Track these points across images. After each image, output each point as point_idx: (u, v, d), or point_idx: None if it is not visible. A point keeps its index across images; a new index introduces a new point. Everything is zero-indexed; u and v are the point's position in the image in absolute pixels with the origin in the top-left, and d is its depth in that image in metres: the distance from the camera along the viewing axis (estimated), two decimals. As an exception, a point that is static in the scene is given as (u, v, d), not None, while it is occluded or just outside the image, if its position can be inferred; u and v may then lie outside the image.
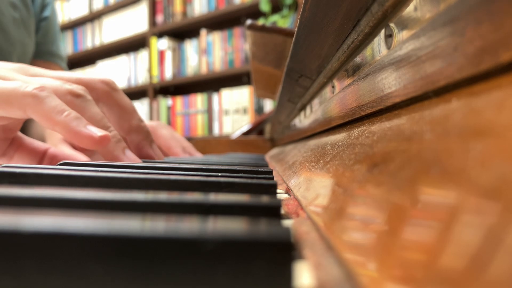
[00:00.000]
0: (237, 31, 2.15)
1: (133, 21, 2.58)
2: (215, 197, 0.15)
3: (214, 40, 2.23)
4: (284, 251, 0.09)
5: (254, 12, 1.99)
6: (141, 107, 2.54)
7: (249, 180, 0.21)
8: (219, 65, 2.21)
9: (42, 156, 0.40)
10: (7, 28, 0.66)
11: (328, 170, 0.21)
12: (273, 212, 0.15)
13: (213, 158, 0.55)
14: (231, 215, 0.14)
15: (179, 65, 2.40)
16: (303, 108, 0.47)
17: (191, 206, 0.14)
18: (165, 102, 2.44)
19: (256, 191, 0.20)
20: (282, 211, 0.19)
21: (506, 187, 0.07)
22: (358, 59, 0.23)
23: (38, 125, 0.67)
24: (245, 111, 2.13)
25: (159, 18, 2.44)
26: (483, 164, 0.08)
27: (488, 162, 0.08)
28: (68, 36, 2.99)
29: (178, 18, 2.35)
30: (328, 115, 0.33)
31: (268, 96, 1.02)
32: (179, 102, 2.39)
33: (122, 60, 2.66)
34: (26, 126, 0.72)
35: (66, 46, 2.98)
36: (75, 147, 0.47)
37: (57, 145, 0.52)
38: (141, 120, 0.40)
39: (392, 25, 0.17)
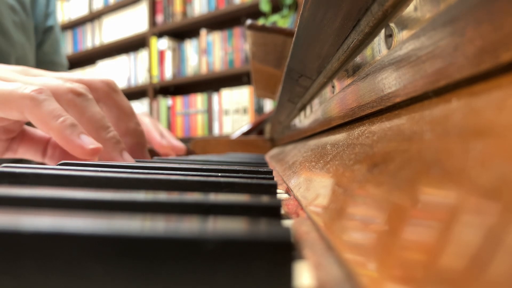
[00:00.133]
0: (237, 31, 2.15)
1: (133, 21, 2.58)
2: (215, 197, 0.15)
3: (214, 40, 2.23)
4: (284, 251, 0.09)
5: (254, 12, 1.99)
6: (141, 107, 2.54)
7: (249, 180, 0.21)
8: (219, 65, 2.21)
9: (45, 145, 0.40)
10: (7, 30, 0.66)
11: (328, 170, 0.21)
12: (273, 212, 0.15)
13: (213, 158, 0.55)
14: (231, 215, 0.14)
15: (179, 65, 2.40)
16: (303, 108, 0.47)
17: (191, 206, 0.14)
18: (165, 102, 2.44)
19: (256, 191, 0.20)
20: (282, 211, 0.19)
21: (506, 187, 0.07)
22: (358, 59, 0.23)
23: None
24: (245, 111, 2.13)
25: (159, 18, 2.44)
26: (483, 164, 0.08)
27: (488, 162, 0.08)
28: (68, 36, 2.99)
29: (178, 18, 2.35)
30: (328, 115, 0.33)
31: (268, 96, 1.02)
32: (179, 102, 2.39)
33: (122, 60, 2.66)
34: None
35: (66, 46, 2.98)
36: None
37: None
38: (138, 124, 0.41)
39: (392, 25, 0.17)
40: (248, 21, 0.59)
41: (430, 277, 0.08)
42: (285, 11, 1.82)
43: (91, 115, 0.34)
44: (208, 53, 2.25)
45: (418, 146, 0.12)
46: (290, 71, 0.39)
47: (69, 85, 0.34)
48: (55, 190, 0.15)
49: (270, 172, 0.28)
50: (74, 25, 2.94)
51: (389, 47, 0.18)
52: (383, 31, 0.18)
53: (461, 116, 0.11)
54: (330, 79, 0.31)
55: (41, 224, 0.09)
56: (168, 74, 2.40)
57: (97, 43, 2.79)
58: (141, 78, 2.55)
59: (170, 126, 2.42)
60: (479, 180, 0.08)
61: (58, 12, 2.99)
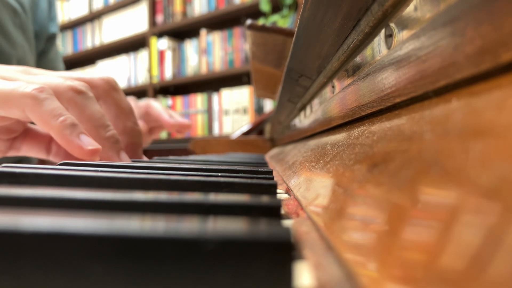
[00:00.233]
0: (237, 31, 2.15)
1: (133, 21, 2.58)
2: (215, 197, 0.15)
3: (214, 40, 2.23)
4: (284, 251, 0.09)
5: (254, 12, 1.99)
6: (141, 107, 2.54)
7: (249, 180, 0.21)
8: (219, 65, 2.21)
9: (49, 142, 0.40)
10: (8, 31, 0.67)
11: (328, 170, 0.21)
12: (273, 212, 0.15)
13: (213, 158, 0.55)
14: (231, 215, 0.14)
15: (179, 65, 2.40)
16: (303, 108, 0.47)
17: (191, 206, 0.14)
18: (165, 102, 2.44)
19: (256, 191, 0.20)
20: (282, 211, 0.19)
21: (506, 187, 0.07)
22: (358, 59, 0.23)
23: None
24: (245, 111, 2.13)
25: (159, 18, 2.44)
26: (483, 164, 0.08)
27: (488, 162, 0.08)
28: (68, 36, 2.99)
29: (178, 18, 2.35)
30: (328, 115, 0.33)
31: (268, 96, 1.02)
32: (179, 102, 2.39)
33: (122, 60, 2.66)
34: None
35: (66, 46, 2.98)
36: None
37: None
38: (136, 124, 0.41)
39: (392, 25, 0.17)
40: (248, 21, 0.59)
41: (430, 277, 0.08)
42: (285, 11, 1.82)
43: (90, 113, 0.34)
44: (208, 53, 2.25)
45: (418, 146, 0.12)
46: (290, 71, 0.39)
47: (70, 83, 0.34)
48: (55, 190, 0.15)
49: (270, 172, 0.28)
50: (74, 25, 2.94)
51: (389, 47, 0.18)
52: (383, 31, 0.18)
53: (461, 116, 0.11)
54: (330, 79, 0.31)
55: (41, 224, 0.09)
56: (168, 74, 2.40)
57: (97, 43, 2.79)
58: (141, 78, 2.55)
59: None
60: (479, 180, 0.08)
61: (58, 12, 3.00)
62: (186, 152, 0.93)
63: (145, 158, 0.42)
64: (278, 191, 0.26)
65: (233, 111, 2.17)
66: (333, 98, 0.30)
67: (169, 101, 2.43)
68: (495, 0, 0.10)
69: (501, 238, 0.07)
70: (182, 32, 2.42)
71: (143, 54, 2.54)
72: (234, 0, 2.12)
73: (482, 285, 0.06)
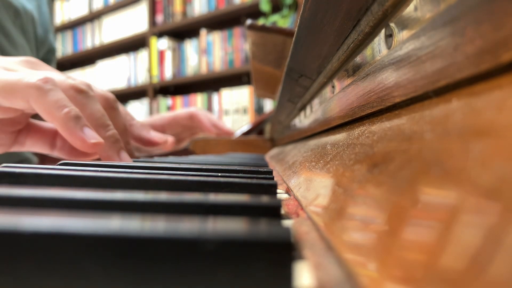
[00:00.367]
0: (237, 31, 2.15)
1: (133, 21, 2.58)
2: (215, 197, 0.15)
3: (214, 40, 2.23)
4: (284, 251, 0.09)
5: (254, 12, 1.99)
6: (141, 107, 2.54)
7: (249, 180, 0.21)
8: (219, 65, 2.21)
9: (53, 137, 0.40)
10: (9, 32, 0.67)
11: (328, 170, 0.21)
12: (273, 212, 0.15)
13: (213, 158, 0.55)
14: (231, 215, 0.14)
15: (179, 65, 2.40)
16: (303, 108, 0.47)
17: (191, 206, 0.14)
18: (165, 102, 2.44)
19: (256, 191, 0.20)
20: (282, 211, 0.19)
21: (506, 187, 0.07)
22: (358, 59, 0.23)
23: None
24: (245, 111, 2.13)
25: (159, 18, 2.44)
26: (483, 164, 0.08)
27: (488, 162, 0.08)
28: (68, 36, 2.98)
29: (178, 18, 2.35)
30: (328, 115, 0.33)
31: (268, 96, 1.02)
32: (179, 102, 2.39)
33: (122, 60, 2.66)
34: None
35: (66, 46, 2.98)
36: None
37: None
38: (128, 143, 0.41)
39: (392, 25, 0.17)
40: (248, 21, 0.59)
41: (430, 277, 0.08)
42: (285, 11, 1.82)
43: (91, 113, 0.34)
44: (208, 53, 2.25)
45: (418, 146, 0.12)
46: (290, 71, 0.39)
47: (71, 81, 0.34)
48: (55, 190, 0.15)
49: (270, 172, 0.28)
50: (74, 25, 2.94)
51: (389, 47, 0.18)
52: (383, 31, 0.18)
53: (461, 116, 0.11)
54: (330, 79, 0.31)
55: (41, 224, 0.09)
56: (168, 74, 2.40)
57: (97, 43, 2.79)
58: (141, 78, 2.55)
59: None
60: (479, 180, 0.08)
61: (58, 12, 2.99)
62: (186, 152, 0.93)
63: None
64: (278, 191, 0.26)
65: (233, 111, 2.17)
66: (333, 98, 0.30)
67: (169, 101, 2.43)
68: (495, 0, 0.10)
69: (501, 238, 0.07)
70: (182, 32, 2.42)
71: (143, 54, 2.54)
72: (234, 0, 2.12)
73: (482, 285, 0.06)
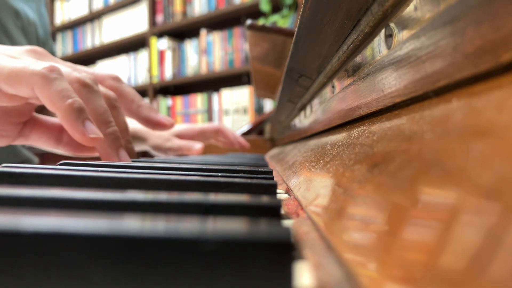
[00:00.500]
0: (237, 31, 2.15)
1: (133, 21, 2.58)
2: (215, 197, 0.15)
3: (214, 40, 2.23)
4: (284, 251, 0.09)
5: (254, 12, 1.99)
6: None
7: (249, 180, 0.21)
8: (219, 65, 2.21)
9: (59, 132, 0.40)
10: (11, 33, 0.67)
11: (328, 170, 0.21)
12: (273, 212, 0.15)
13: (213, 158, 0.55)
14: (231, 215, 0.14)
15: (179, 65, 2.39)
16: (303, 108, 0.47)
17: (191, 206, 0.14)
18: (165, 102, 2.44)
19: (256, 191, 0.20)
20: (282, 211, 0.19)
21: (506, 187, 0.07)
22: (358, 59, 0.23)
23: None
24: (245, 111, 2.13)
25: (159, 18, 2.44)
26: (483, 164, 0.08)
27: (488, 162, 0.08)
28: (68, 36, 2.98)
29: (178, 18, 2.35)
30: (328, 115, 0.33)
31: (268, 96, 1.02)
32: (179, 102, 2.39)
33: (122, 60, 2.66)
34: None
35: (66, 46, 2.98)
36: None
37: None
38: (129, 141, 0.41)
39: (392, 25, 0.17)
40: (248, 21, 0.59)
41: (430, 277, 0.08)
42: (285, 11, 1.82)
43: (93, 108, 0.34)
44: (208, 53, 2.25)
45: (418, 146, 0.12)
46: (290, 71, 0.39)
47: (77, 74, 0.34)
48: (55, 190, 0.15)
49: (270, 172, 0.28)
50: (74, 25, 2.94)
51: (389, 47, 0.18)
52: (383, 31, 0.18)
53: (461, 116, 0.11)
54: (330, 79, 0.31)
55: (41, 224, 0.09)
56: (168, 74, 2.40)
57: (97, 43, 2.79)
58: (141, 78, 2.55)
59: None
60: (479, 180, 0.08)
61: (58, 12, 2.99)
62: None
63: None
64: (278, 191, 0.26)
65: (233, 111, 2.17)
66: (333, 98, 0.30)
67: (169, 101, 2.43)
68: (495, 0, 0.10)
69: (501, 238, 0.07)
70: (182, 32, 2.42)
71: (143, 54, 2.54)
72: (234, 0, 2.12)
73: (482, 285, 0.06)
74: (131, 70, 2.61)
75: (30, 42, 0.73)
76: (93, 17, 2.80)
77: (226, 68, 2.17)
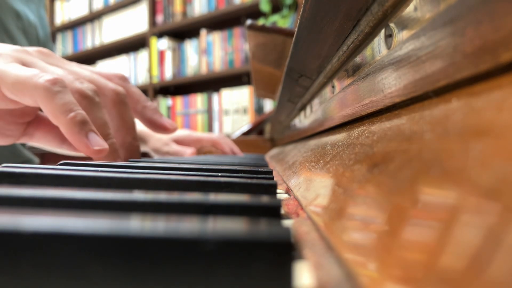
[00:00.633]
0: (237, 31, 2.15)
1: (133, 21, 2.58)
2: (215, 197, 0.15)
3: (214, 40, 2.23)
4: (284, 251, 0.09)
5: (254, 12, 1.99)
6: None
7: (249, 180, 0.21)
8: (219, 65, 2.21)
9: None
10: (13, 34, 0.68)
11: (328, 170, 0.21)
12: (273, 212, 0.15)
13: (213, 158, 0.55)
14: (231, 215, 0.14)
15: (179, 65, 2.40)
16: (303, 108, 0.47)
17: (191, 206, 0.14)
18: (165, 102, 2.44)
19: (256, 191, 0.20)
20: (282, 211, 0.19)
21: (506, 187, 0.07)
22: (358, 59, 0.23)
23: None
24: (245, 111, 2.13)
25: (159, 18, 2.44)
26: (483, 164, 0.08)
27: (488, 162, 0.08)
28: (68, 36, 2.99)
29: (178, 18, 2.35)
30: (328, 115, 0.33)
31: (268, 96, 1.02)
32: (179, 102, 2.39)
33: (122, 60, 2.66)
34: None
35: (66, 46, 2.98)
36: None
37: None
38: (135, 139, 0.41)
39: (392, 25, 0.17)
40: (248, 21, 0.59)
41: (430, 277, 0.08)
42: (285, 11, 1.82)
43: (92, 120, 0.34)
44: (208, 53, 2.25)
45: (418, 146, 0.12)
46: (290, 71, 0.39)
47: (78, 85, 0.34)
48: (55, 190, 0.15)
49: (270, 172, 0.28)
50: (74, 25, 2.94)
51: (389, 47, 0.18)
52: (383, 31, 0.18)
53: (461, 116, 0.11)
54: (330, 79, 0.31)
55: (41, 224, 0.09)
56: (168, 74, 2.40)
57: (97, 43, 2.79)
58: (141, 78, 2.55)
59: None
60: (479, 180, 0.08)
61: (58, 12, 2.99)
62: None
63: None
64: (278, 191, 0.26)
65: (233, 111, 2.17)
66: (333, 98, 0.30)
67: (169, 101, 2.43)
68: (495, 0, 0.10)
69: (501, 238, 0.07)
70: (182, 32, 2.42)
71: (143, 54, 2.54)
72: (234, 0, 2.12)
73: (482, 285, 0.06)
74: (131, 70, 2.61)
75: (30, 43, 0.73)
76: (93, 17, 2.80)
77: (226, 68, 2.17)
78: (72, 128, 0.31)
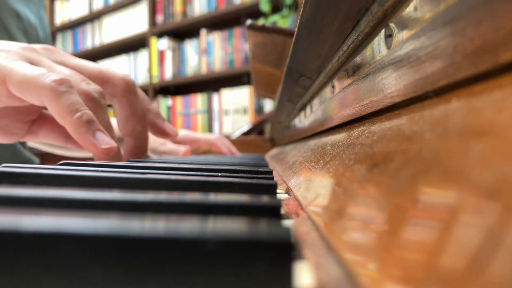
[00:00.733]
0: (237, 31, 2.15)
1: (133, 21, 2.58)
2: (215, 197, 0.15)
3: (214, 40, 2.23)
4: (284, 251, 0.09)
5: (254, 12, 1.99)
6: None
7: (249, 180, 0.21)
8: (219, 65, 2.21)
9: None
10: (13, 35, 0.68)
11: (328, 170, 0.21)
12: (273, 212, 0.15)
13: (213, 158, 0.55)
14: (231, 215, 0.14)
15: (179, 65, 2.40)
16: (303, 108, 0.47)
17: (191, 206, 0.14)
18: (165, 102, 2.44)
19: (256, 191, 0.20)
20: (282, 211, 0.19)
21: (506, 187, 0.07)
22: (358, 59, 0.23)
23: None
24: (245, 111, 2.13)
25: (159, 18, 2.44)
26: (483, 164, 0.08)
27: (488, 162, 0.08)
28: (68, 36, 2.99)
29: (178, 18, 2.35)
30: (328, 115, 0.33)
31: (268, 96, 1.02)
32: (179, 102, 2.39)
33: (122, 60, 2.66)
34: None
35: (66, 46, 2.98)
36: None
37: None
38: (145, 128, 0.41)
39: (392, 25, 0.17)
40: (248, 21, 0.59)
41: (430, 277, 0.08)
42: (285, 11, 1.82)
43: (98, 122, 0.34)
44: (208, 53, 2.25)
45: (418, 146, 0.12)
46: (290, 71, 0.39)
47: (85, 86, 0.34)
48: (55, 190, 0.15)
49: (270, 172, 0.28)
50: (74, 25, 2.94)
51: (389, 47, 0.18)
52: (383, 31, 0.18)
53: (461, 116, 0.11)
54: (330, 79, 0.31)
55: (41, 224, 0.09)
56: (168, 74, 2.40)
57: (97, 43, 2.79)
58: (141, 78, 2.55)
59: (170, 126, 2.41)
60: (479, 180, 0.08)
61: (58, 12, 2.99)
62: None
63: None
64: (278, 191, 0.26)
65: (233, 111, 2.17)
66: (333, 98, 0.30)
67: (169, 101, 2.43)
68: (495, 0, 0.10)
69: (501, 238, 0.07)
70: (182, 32, 2.42)
71: (143, 54, 2.54)
72: (234, 0, 2.12)
73: (482, 285, 0.06)
74: (131, 70, 2.61)
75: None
76: (93, 17, 2.80)
77: (226, 68, 2.17)
78: (79, 128, 0.31)
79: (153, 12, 2.46)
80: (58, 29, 2.99)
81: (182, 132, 0.81)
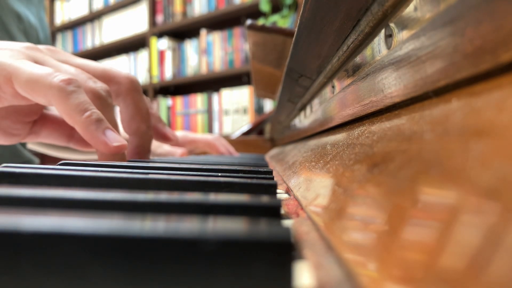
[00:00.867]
0: (237, 31, 2.15)
1: (133, 21, 2.58)
2: (215, 197, 0.15)
3: (214, 40, 2.23)
4: (284, 251, 0.09)
5: (254, 12, 1.99)
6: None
7: (249, 180, 0.21)
8: (219, 65, 2.21)
9: (71, 127, 0.40)
10: (14, 36, 0.68)
11: (328, 170, 0.21)
12: (273, 212, 0.15)
13: (213, 158, 0.55)
14: (231, 215, 0.14)
15: (179, 65, 2.40)
16: (303, 108, 0.47)
17: (191, 206, 0.14)
18: (165, 102, 2.44)
19: (256, 191, 0.20)
20: (282, 211, 0.19)
21: (506, 187, 0.07)
22: (358, 59, 0.23)
23: None
24: (245, 111, 2.13)
25: (159, 18, 2.44)
26: (483, 164, 0.08)
27: (488, 162, 0.08)
28: (68, 36, 2.99)
29: (178, 18, 2.35)
30: (328, 115, 0.33)
31: (268, 96, 1.02)
32: (179, 102, 2.39)
33: (122, 60, 2.66)
34: None
35: (66, 46, 2.98)
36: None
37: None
38: (149, 128, 0.41)
39: (392, 25, 0.17)
40: (248, 21, 0.59)
41: (430, 277, 0.08)
42: (285, 11, 1.82)
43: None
44: (208, 53, 2.25)
45: (418, 146, 0.12)
46: (290, 71, 0.39)
47: (92, 84, 0.34)
48: (55, 190, 0.15)
49: (270, 172, 0.28)
50: (74, 25, 2.94)
51: (389, 47, 0.18)
52: (383, 31, 0.18)
53: (461, 116, 0.11)
54: (330, 79, 0.31)
55: (41, 224, 0.09)
56: (168, 74, 2.40)
57: (97, 43, 2.79)
58: (141, 78, 2.55)
59: (170, 126, 2.42)
60: (479, 180, 0.08)
61: (58, 12, 2.99)
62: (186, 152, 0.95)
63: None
64: (278, 191, 0.26)
65: (233, 111, 2.17)
66: (333, 98, 0.30)
67: (169, 101, 2.43)
68: (495, 0, 0.10)
69: (501, 238, 0.07)
70: (182, 32, 2.42)
71: (143, 54, 2.54)
72: (234, 0, 2.12)
73: (482, 285, 0.06)
74: (131, 70, 2.61)
75: None
76: (93, 17, 2.80)
77: (226, 68, 2.17)
78: (88, 127, 0.31)
79: (153, 12, 2.46)
80: (58, 29, 2.99)
81: (180, 133, 0.81)
